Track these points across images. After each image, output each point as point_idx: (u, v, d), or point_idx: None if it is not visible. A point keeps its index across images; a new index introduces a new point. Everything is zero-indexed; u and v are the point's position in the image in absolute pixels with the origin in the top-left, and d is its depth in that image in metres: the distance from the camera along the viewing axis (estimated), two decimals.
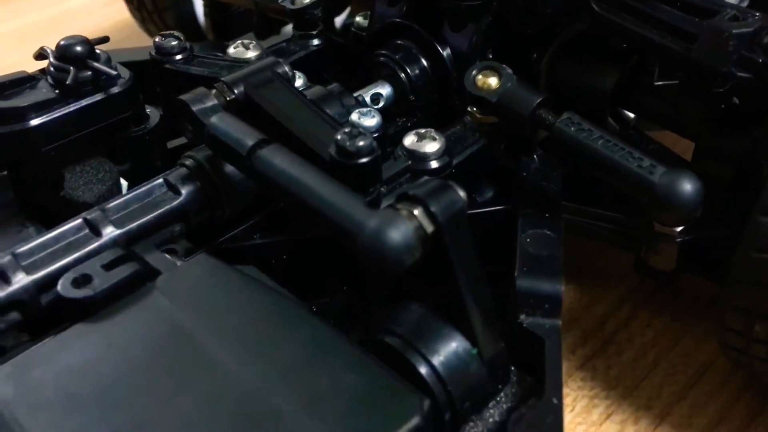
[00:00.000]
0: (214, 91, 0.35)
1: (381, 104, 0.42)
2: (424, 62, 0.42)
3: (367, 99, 0.42)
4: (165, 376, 0.28)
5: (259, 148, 0.31)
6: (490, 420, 0.30)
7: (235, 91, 0.35)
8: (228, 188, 0.35)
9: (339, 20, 0.53)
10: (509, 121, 0.37)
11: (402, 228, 0.27)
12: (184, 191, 0.34)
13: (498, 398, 0.31)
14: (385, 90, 0.42)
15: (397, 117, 0.43)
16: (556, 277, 0.33)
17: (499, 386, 0.30)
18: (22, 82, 0.37)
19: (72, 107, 0.36)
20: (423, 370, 0.29)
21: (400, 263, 0.27)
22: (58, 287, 0.30)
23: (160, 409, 0.26)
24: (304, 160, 0.31)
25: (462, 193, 0.29)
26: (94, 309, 0.30)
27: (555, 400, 0.29)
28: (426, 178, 0.30)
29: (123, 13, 0.76)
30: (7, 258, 0.31)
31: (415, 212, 0.28)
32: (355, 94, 0.41)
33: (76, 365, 0.28)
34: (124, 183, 0.39)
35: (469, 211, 0.34)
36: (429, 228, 0.28)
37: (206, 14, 0.54)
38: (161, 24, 0.57)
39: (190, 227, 0.35)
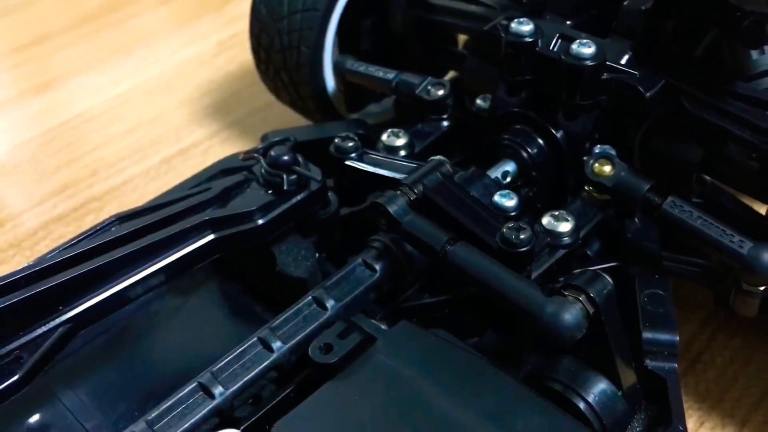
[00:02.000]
0: (398, 192, 0.45)
1: (508, 179, 0.52)
2: (542, 142, 0.52)
3: (498, 175, 0.52)
4: (400, 421, 0.38)
5: (450, 245, 0.42)
6: None
7: (416, 191, 0.45)
8: (409, 263, 0.46)
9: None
10: (622, 201, 0.47)
11: (573, 312, 0.38)
12: (378, 268, 0.45)
13: (633, 422, 0.42)
14: (510, 167, 0.52)
15: (520, 188, 0.53)
16: (672, 329, 0.43)
17: (635, 415, 0.41)
18: (241, 185, 0.48)
19: (286, 205, 0.47)
20: (582, 406, 0.40)
21: (573, 337, 0.38)
22: (310, 353, 0.41)
23: None
24: (485, 254, 0.41)
25: (609, 279, 0.40)
26: (335, 372, 0.41)
27: (681, 428, 0.40)
28: (584, 270, 0.40)
29: (233, 62, 0.87)
30: (266, 331, 0.42)
31: (580, 298, 0.38)
32: (488, 172, 0.52)
33: (335, 416, 0.39)
34: None
35: (593, 269, 0.46)
36: (591, 309, 0.38)
37: (341, 91, 0.65)
38: (295, 95, 0.67)
39: (381, 295, 0.46)
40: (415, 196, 0.45)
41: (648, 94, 0.49)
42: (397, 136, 0.53)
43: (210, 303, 0.50)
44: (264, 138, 0.59)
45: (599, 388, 0.40)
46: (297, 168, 0.47)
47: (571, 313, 0.38)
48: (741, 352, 0.53)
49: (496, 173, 0.52)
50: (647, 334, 0.43)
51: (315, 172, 0.48)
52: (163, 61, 0.89)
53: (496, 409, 0.38)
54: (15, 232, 0.68)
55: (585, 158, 0.49)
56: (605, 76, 0.49)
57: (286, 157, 0.47)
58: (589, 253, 0.51)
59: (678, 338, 0.43)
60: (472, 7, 0.60)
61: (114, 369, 0.47)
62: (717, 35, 0.51)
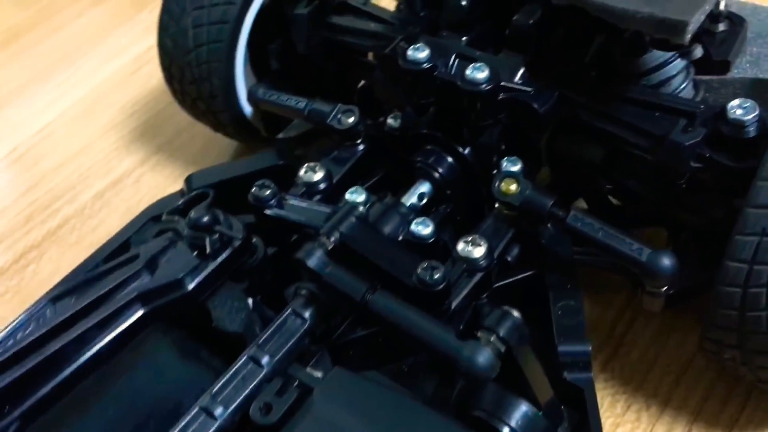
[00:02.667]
0: (316, 243, 0.47)
1: (425, 200, 0.55)
2: (451, 161, 0.54)
3: (414, 199, 0.54)
4: None
5: (369, 294, 0.44)
6: None
7: (332, 239, 0.47)
8: (336, 305, 0.48)
9: None
10: (530, 216, 0.50)
11: (485, 354, 0.41)
12: (307, 316, 0.48)
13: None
14: (426, 188, 0.54)
15: (438, 207, 0.55)
16: (584, 339, 0.46)
17: (557, 427, 0.45)
18: (167, 249, 0.49)
19: (212, 266, 0.48)
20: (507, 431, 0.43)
21: (488, 378, 0.41)
22: (251, 416, 0.44)
23: None
24: (402, 302, 0.44)
25: (516, 314, 0.43)
26: (277, 430, 0.43)
27: None
28: (492, 309, 0.43)
29: (153, 78, 0.87)
30: (207, 398, 0.44)
31: (491, 339, 0.41)
32: (404, 197, 0.54)
33: None
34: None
35: (506, 281, 0.49)
36: (502, 348, 0.41)
37: (260, 118, 0.66)
38: (215, 121, 0.68)
39: (314, 338, 0.49)
40: (332, 245, 0.47)
41: (542, 110, 0.51)
42: (314, 171, 0.55)
43: (172, 359, 0.52)
44: (187, 180, 0.60)
45: (521, 411, 0.43)
46: (218, 228, 0.49)
47: (483, 356, 0.41)
48: (659, 331, 0.57)
49: (412, 197, 0.54)
50: (562, 348, 0.46)
51: (237, 230, 0.50)
52: (83, 83, 0.88)
53: None
54: None
55: (493, 175, 0.51)
56: (501, 96, 0.51)
57: (205, 219, 0.49)
58: (509, 259, 0.54)
59: (590, 348, 0.46)
60: (372, 26, 0.61)
61: None
62: (604, 40, 0.53)
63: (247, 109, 0.66)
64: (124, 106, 0.84)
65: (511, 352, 0.42)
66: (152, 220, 0.59)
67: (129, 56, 0.91)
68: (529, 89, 0.51)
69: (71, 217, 0.73)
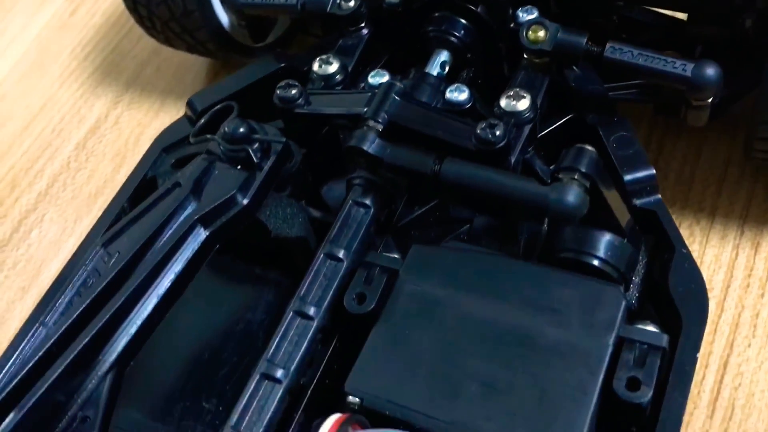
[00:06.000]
0: (365, 127, 0.46)
1: (447, 68, 0.53)
2: (466, 23, 0.53)
3: (437, 70, 0.53)
4: (454, 338, 0.41)
5: (437, 164, 0.44)
6: (641, 272, 0.46)
7: (380, 121, 0.46)
8: (394, 187, 0.48)
9: None
10: (564, 58, 0.49)
11: (574, 191, 0.41)
12: (369, 203, 0.47)
13: (640, 260, 0.46)
14: (445, 56, 0.53)
15: (459, 72, 0.54)
16: (647, 164, 0.47)
17: (640, 253, 0.46)
18: (208, 170, 0.47)
19: (262, 176, 0.46)
20: (597, 263, 0.44)
21: (582, 214, 0.41)
22: (346, 307, 0.43)
23: (472, 354, 0.40)
24: (474, 163, 0.43)
25: (590, 148, 0.43)
26: (375, 317, 0.43)
27: (684, 250, 0.44)
28: (566, 150, 0.43)
29: (96, 15, 0.81)
30: (298, 302, 0.43)
31: (575, 177, 0.41)
32: (426, 69, 0.53)
33: (397, 356, 0.41)
34: None
35: (548, 129, 0.49)
36: (587, 183, 0.41)
37: (242, 25, 0.62)
38: (191, 40, 0.64)
39: (378, 225, 0.48)
40: (382, 127, 0.46)
41: None
42: (329, 63, 0.53)
43: (224, 285, 0.51)
44: (190, 104, 0.57)
45: (607, 242, 0.44)
46: (257, 136, 0.47)
47: (573, 194, 0.41)
48: (689, 151, 0.58)
49: (434, 68, 0.53)
50: (628, 176, 0.47)
51: (275, 135, 0.48)
52: (20, 38, 0.82)
53: (530, 297, 0.42)
54: None
55: (510, 29, 0.50)
56: None
57: (242, 129, 0.47)
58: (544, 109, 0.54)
59: (654, 171, 0.47)
60: None
61: (153, 375, 0.48)
62: None
63: (225, 20, 0.63)
64: (73, 50, 0.79)
65: (595, 186, 0.42)
66: (164, 151, 0.56)
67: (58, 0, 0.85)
68: None
69: (59, 173, 0.69)
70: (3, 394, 0.39)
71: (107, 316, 0.42)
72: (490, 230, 0.50)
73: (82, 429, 0.40)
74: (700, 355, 0.48)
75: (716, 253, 0.54)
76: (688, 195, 0.56)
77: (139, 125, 0.71)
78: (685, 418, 0.47)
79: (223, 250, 0.50)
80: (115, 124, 0.72)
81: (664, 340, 0.40)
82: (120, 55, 0.77)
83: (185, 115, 0.57)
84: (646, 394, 0.38)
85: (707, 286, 0.43)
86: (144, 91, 0.74)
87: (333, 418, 0.36)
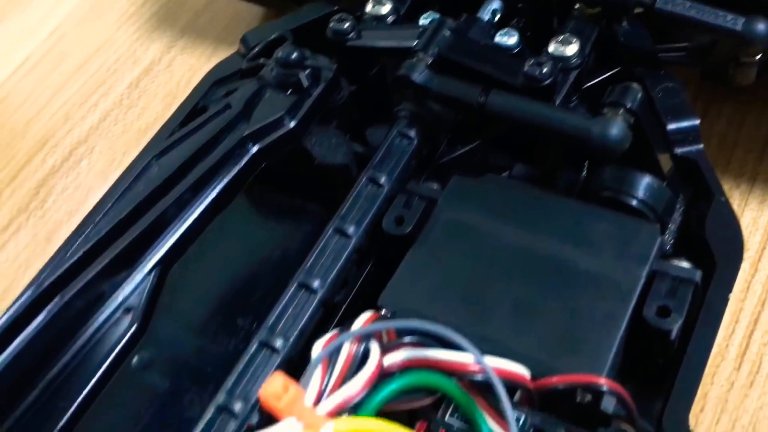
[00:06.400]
0: (415, 59, 0.47)
1: (497, 16, 0.54)
2: None
3: (487, 17, 0.54)
4: (489, 264, 0.42)
5: (484, 95, 0.44)
6: (678, 221, 0.46)
7: (430, 53, 0.47)
8: (438, 123, 0.49)
9: None
10: (615, 8, 0.50)
11: (617, 125, 0.41)
12: (413, 135, 0.48)
13: (678, 205, 0.46)
14: (497, 4, 0.54)
15: (509, 21, 0.55)
16: (691, 114, 0.47)
17: (678, 198, 0.46)
18: (258, 93, 0.48)
19: (310, 101, 0.48)
20: (635, 203, 0.44)
21: (623, 149, 0.42)
22: (384, 228, 0.44)
23: (506, 275, 0.41)
24: (518, 96, 0.44)
25: (637, 86, 0.43)
26: (412, 240, 0.44)
27: (722, 198, 0.45)
28: (612, 87, 0.43)
29: None
30: (338, 221, 0.44)
31: (619, 112, 0.42)
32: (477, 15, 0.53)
33: (430, 276, 0.42)
34: None
35: (598, 79, 0.50)
36: (631, 119, 0.42)
37: None
38: None
39: (420, 160, 0.49)
40: (431, 59, 0.47)
41: None
42: (381, 3, 0.54)
43: (265, 214, 0.53)
44: (243, 40, 0.58)
45: (645, 183, 0.44)
46: (309, 62, 0.48)
47: (616, 127, 0.41)
48: (734, 115, 0.58)
49: (485, 14, 0.53)
50: (671, 126, 0.47)
51: (325, 61, 0.49)
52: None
53: (566, 228, 0.42)
54: (15, 198, 0.67)
55: None
56: None
57: (295, 55, 0.48)
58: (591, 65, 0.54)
59: (698, 122, 0.47)
60: None
61: (191, 292, 0.49)
62: None
63: None
64: None
65: (639, 123, 0.42)
66: (215, 84, 0.58)
67: None
68: None
69: (111, 109, 0.71)
70: (49, 282, 0.41)
71: (154, 218, 0.43)
72: (529, 178, 0.51)
73: (123, 319, 0.41)
74: (730, 313, 0.49)
75: (754, 216, 0.54)
76: (729, 159, 0.56)
77: (190, 69, 0.73)
78: (712, 368, 0.48)
79: (266, 181, 0.52)
80: (167, 67, 0.74)
81: (697, 275, 0.40)
82: (176, 3, 0.79)
83: (238, 51, 0.58)
84: (676, 321, 0.38)
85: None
86: (198, 38, 0.76)
87: (369, 313, 0.37)
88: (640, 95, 0.43)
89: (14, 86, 0.76)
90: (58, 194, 0.66)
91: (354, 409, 0.33)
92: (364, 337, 0.35)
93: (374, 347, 0.34)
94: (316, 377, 0.33)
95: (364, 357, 0.34)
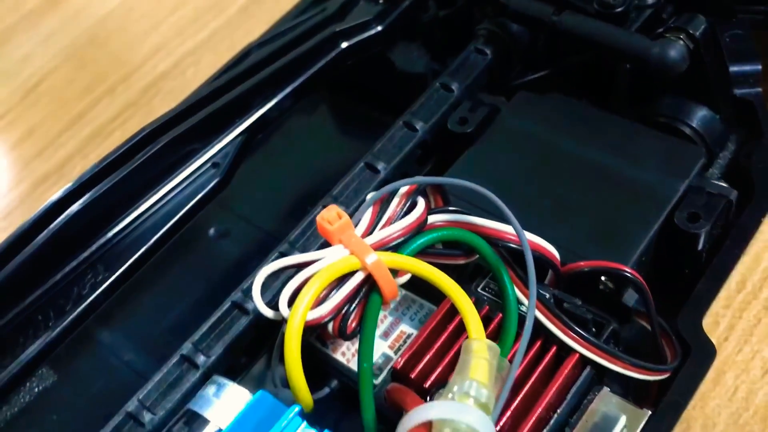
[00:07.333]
0: None
1: None
2: None
3: None
4: (540, 165, 0.46)
5: (557, 14, 0.48)
6: (727, 158, 0.49)
7: None
8: (514, 44, 0.52)
9: None
10: None
11: (677, 47, 0.44)
12: (489, 52, 0.52)
13: (729, 140, 0.49)
14: None
15: None
16: (755, 58, 0.49)
17: (730, 134, 0.48)
18: (351, 1, 0.54)
19: (398, 11, 0.52)
20: (687, 131, 0.47)
21: (680, 69, 0.44)
22: (449, 126, 0.48)
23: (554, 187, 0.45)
24: (589, 17, 0.47)
25: (703, 17, 0.46)
26: (473, 139, 0.48)
27: None
28: (680, 14, 0.46)
29: None
30: (408, 115, 0.49)
31: (681, 36, 0.45)
32: None
33: (487, 167, 0.46)
34: None
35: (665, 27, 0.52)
36: (691, 45, 0.45)
37: None
38: None
39: (492, 78, 0.53)
40: None
41: None
42: None
43: (344, 122, 0.58)
44: None
45: (700, 114, 0.47)
46: None
47: (675, 49, 0.44)
48: None
49: None
50: (734, 68, 0.49)
51: None
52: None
53: (616, 142, 0.46)
54: (127, 94, 0.74)
55: None
56: None
57: None
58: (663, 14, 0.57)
59: (760, 67, 0.49)
60: None
61: (266, 186, 0.55)
62: None
63: None
64: None
65: (699, 50, 0.45)
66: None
67: None
68: None
69: (220, 28, 0.78)
70: (147, 131, 0.47)
71: (245, 89, 0.49)
72: None
73: (210, 171, 0.47)
74: None
75: None
76: None
77: None
78: (733, 293, 0.49)
79: (349, 89, 0.57)
80: None
81: (733, 194, 0.43)
82: None
83: None
84: (704, 226, 0.41)
85: None
86: None
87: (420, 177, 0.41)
88: (704, 26, 0.45)
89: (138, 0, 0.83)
90: (165, 94, 0.73)
91: (395, 249, 0.37)
92: (414, 192, 0.39)
93: (421, 201, 0.38)
94: (367, 215, 0.38)
95: (411, 209, 0.38)
